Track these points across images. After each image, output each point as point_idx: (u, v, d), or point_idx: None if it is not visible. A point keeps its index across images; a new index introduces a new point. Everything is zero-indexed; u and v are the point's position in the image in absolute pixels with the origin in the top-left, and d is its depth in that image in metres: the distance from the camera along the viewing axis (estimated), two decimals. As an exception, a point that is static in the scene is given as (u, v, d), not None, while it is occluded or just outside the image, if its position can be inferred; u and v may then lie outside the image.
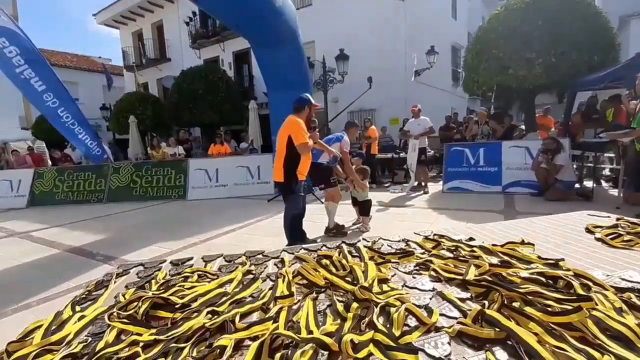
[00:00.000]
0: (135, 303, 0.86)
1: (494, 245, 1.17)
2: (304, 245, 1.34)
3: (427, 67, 10.86)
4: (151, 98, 14.61)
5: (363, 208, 4.12)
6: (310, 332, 0.72)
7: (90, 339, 0.75)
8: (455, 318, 0.76)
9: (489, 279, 0.88)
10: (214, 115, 11.97)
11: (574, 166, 5.94)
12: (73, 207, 7.42)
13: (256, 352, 0.65)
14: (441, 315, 0.78)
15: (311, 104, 3.30)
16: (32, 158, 9.72)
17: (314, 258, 1.17)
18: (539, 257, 1.02)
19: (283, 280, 0.98)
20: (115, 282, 1.07)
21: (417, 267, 1.09)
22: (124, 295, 0.94)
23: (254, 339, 0.71)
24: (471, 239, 1.31)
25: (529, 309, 0.71)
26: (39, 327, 0.81)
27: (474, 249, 1.17)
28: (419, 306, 0.82)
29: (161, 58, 17.72)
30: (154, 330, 0.75)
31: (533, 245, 1.14)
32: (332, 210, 3.95)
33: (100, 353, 0.65)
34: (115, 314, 0.82)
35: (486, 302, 0.79)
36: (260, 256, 1.26)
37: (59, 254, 4.01)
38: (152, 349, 0.68)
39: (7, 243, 4.68)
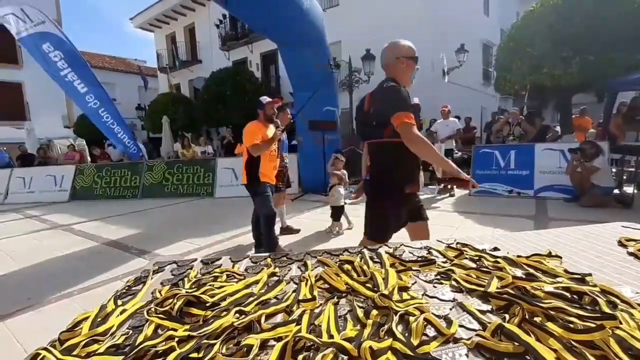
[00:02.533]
0: (171, 300, 0.93)
1: (519, 256, 1.15)
2: (326, 250, 1.37)
3: (456, 65, 10.59)
4: (183, 99, 15.22)
5: (333, 213, 4.21)
6: (331, 336, 0.76)
7: (130, 331, 0.83)
8: (475, 330, 0.77)
9: (511, 292, 0.88)
10: (241, 115, 12.30)
11: (613, 171, 5.60)
12: (110, 202, 7.89)
13: (280, 352, 0.70)
14: (460, 326, 0.79)
15: (264, 106, 3.32)
16: (65, 156, 10.46)
17: (336, 263, 1.21)
18: (566, 270, 1.00)
19: (306, 284, 1.02)
20: (152, 278, 1.16)
21: (438, 276, 1.10)
22: (160, 292, 1.02)
23: (278, 339, 0.76)
24: (495, 248, 1.30)
25: (550, 325, 0.70)
26: (86, 318, 0.90)
27: (498, 259, 1.15)
28: (438, 316, 0.84)
29: (192, 60, 18.41)
30: (187, 327, 0.81)
31: (560, 257, 1.12)
32: (281, 212, 4.28)
33: (141, 346, 0.72)
34: (152, 309, 0.89)
35: (507, 316, 0.80)
36: (284, 259, 1.31)
37: (97, 246, 4.30)
38: (186, 344, 0.74)
39: (51, 235, 5.06)
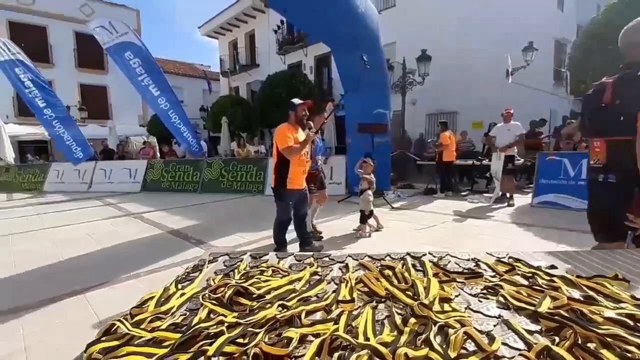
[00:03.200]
0: (222, 288, 1.02)
1: (578, 276, 1.06)
2: (368, 254, 1.39)
3: (522, 65, 9.78)
4: (241, 101, 16.12)
5: (362, 216, 4.25)
6: (367, 339, 0.78)
7: (188, 313, 0.93)
8: (519, 350, 0.74)
9: (565, 314, 0.82)
10: (294, 117, 12.69)
11: None
12: (174, 195, 8.66)
13: (317, 348, 0.74)
14: (503, 344, 0.76)
15: (295, 107, 3.27)
16: (142, 151, 11.70)
17: (377, 267, 1.22)
18: (633, 296, 0.90)
19: (346, 285, 1.05)
20: (207, 267, 1.28)
21: (485, 291, 1.05)
22: (213, 280, 1.13)
23: (316, 335, 0.80)
24: (552, 266, 1.21)
25: (605, 353, 0.65)
26: (152, 297, 1.03)
27: (554, 278, 1.08)
28: (480, 331, 0.81)
29: (251, 64, 19.41)
30: (235, 314, 0.89)
31: (628, 282, 1.01)
32: (314, 209, 4.26)
33: (196, 327, 0.81)
34: (207, 295, 0.99)
35: (557, 339, 0.75)
36: (327, 259, 1.35)
37: (162, 234, 4.75)
38: (233, 330, 0.81)
39: (125, 222, 5.70)
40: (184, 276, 1.21)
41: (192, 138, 8.99)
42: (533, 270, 1.16)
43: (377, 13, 6.96)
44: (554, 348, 0.68)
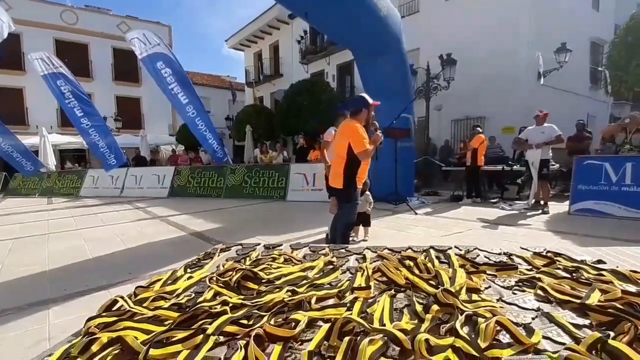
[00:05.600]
0: (231, 272, 0.97)
1: (634, 271, 0.93)
2: (388, 246, 1.30)
3: (555, 67, 9.33)
4: (265, 110, 16.42)
5: (364, 219, 4.10)
6: (383, 325, 0.70)
7: (193, 295, 0.89)
8: (564, 344, 0.63)
9: (620, 307, 0.70)
10: (315, 124, 12.70)
11: None
12: (199, 200, 8.84)
13: (327, 332, 0.66)
14: (545, 338, 0.65)
15: (369, 105, 2.92)
16: (180, 158, 12.11)
17: (397, 259, 1.13)
18: None
19: (362, 274, 0.97)
20: (219, 255, 1.23)
21: (520, 283, 0.94)
22: (223, 266, 1.08)
23: (326, 321, 0.72)
24: (600, 261, 1.07)
25: (677, 349, 0.53)
26: (160, 279, 0.99)
27: (603, 272, 0.94)
28: (516, 324, 0.71)
29: (275, 74, 19.80)
30: (242, 297, 0.83)
31: (698, 277, 0.86)
32: None
33: (199, 305, 0.76)
34: (214, 278, 0.94)
35: (611, 333, 0.63)
36: (343, 250, 1.28)
37: (185, 236, 4.82)
38: (238, 311, 0.75)
39: (151, 224, 5.85)
40: (194, 262, 1.17)
41: (217, 145, 9.20)
42: (577, 265, 1.03)
43: (400, 17, 6.89)
44: (611, 342, 0.57)
